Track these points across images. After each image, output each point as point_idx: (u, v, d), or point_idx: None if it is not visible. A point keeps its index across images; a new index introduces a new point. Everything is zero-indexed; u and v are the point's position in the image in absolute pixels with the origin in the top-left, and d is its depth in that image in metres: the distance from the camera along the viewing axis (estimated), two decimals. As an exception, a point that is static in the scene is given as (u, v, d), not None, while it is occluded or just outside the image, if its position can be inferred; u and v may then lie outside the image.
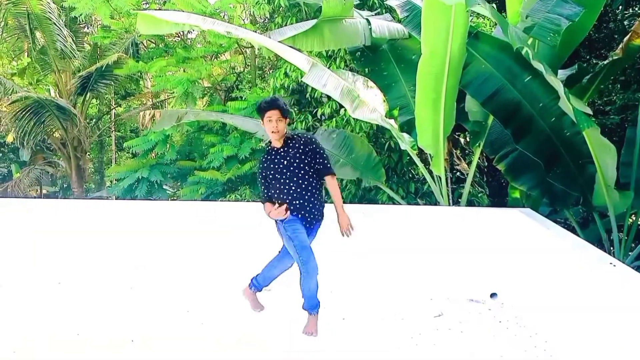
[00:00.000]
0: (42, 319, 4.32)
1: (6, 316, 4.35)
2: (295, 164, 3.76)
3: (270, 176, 3.81)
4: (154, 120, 10.58)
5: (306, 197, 3.81)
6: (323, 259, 3.96)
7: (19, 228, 5.80)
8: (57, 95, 15.29)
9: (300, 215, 3.79)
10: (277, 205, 3.73)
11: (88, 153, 16.56)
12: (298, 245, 3.78)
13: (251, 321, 4.28)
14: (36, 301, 4.71)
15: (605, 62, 7.44)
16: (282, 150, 3.81)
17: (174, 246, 5.39)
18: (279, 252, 4.07)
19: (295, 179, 3.77)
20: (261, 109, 3.73)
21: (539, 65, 5.46)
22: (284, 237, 3.85)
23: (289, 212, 3.75)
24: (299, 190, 3.78)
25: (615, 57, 7.30)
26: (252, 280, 4.13)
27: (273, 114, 3.71)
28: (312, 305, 3.89)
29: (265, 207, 3.79)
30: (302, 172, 3.78)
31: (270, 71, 13.34)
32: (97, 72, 13.85)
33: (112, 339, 3.91)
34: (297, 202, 3.78)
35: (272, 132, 3.72)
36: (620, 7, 9.29)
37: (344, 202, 3.97)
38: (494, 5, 9.56)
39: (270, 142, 3.90)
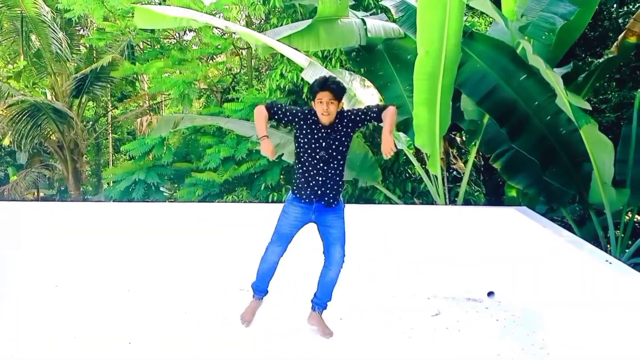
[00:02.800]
0: (39, 321, 4.31)
1: (3, 319, 4.34)
2: (334, 148, 3.64)
3: (306, 146, 3.65)
4: (150, 125, 10.56)
5: (336, 178, 3.71)
6: (320, 258, 3.97)
7: (16, 231, 5.79)
8: (54, 98, 15.25)
9: (321, 200, 3.70)
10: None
11: (85, 156, 16.53)
12: (344, 236, 3.78)
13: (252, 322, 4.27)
14: (33, 304, 4.70)
15: (600, 60, 7.46)
16: (328, 129, 3.65)
17: (172, 248, 5.39)
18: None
19: (330, 164, 3.66)
20: (312, 91, 3.60)
21: (537, 60, 5.46)
22: (334, 225, 3.74)
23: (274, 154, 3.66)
24: (330, 174, 3.67)
25: (610, 55, 7.32)
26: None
27: (324, 96, 3.54)
28: (326, 302, 3.93)
29: (265, 142, 3.61)
30: (340, 155, 3.68)
31: (267, 72, 13.34)
32: (93, 75, 13.83)
33: (110, 341, 3.90)
34: (327, 184, 3.68)
35: (322, 114, 3.56)
36: (614, 5, 9.32)
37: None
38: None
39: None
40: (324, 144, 3.62)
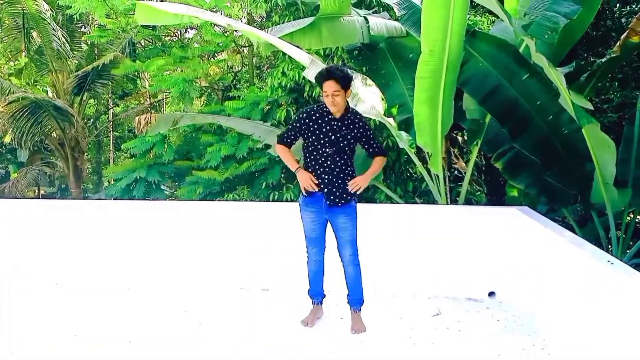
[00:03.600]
0: (39, 319, 4.31)
1: (3, 317, 4.34)
2: (346, 141, 3.60)
3: (316, 142, 3.59)
4: (149, 124, 10.52)
5: (342, 175, 3.66)
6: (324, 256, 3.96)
7: (16, 229, 5.78)
8: (55, 96, 15.25)
9: (327, 199, 3.67)
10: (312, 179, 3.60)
11: (86, 153, 16.53)
12: (355, 237, 3.80)
13: (249, 321, 4.28)
14: (33, 302, 4.70)
15: (602, 60, 7.44)
16: (338, 122, 3.58)
17: (172, 246, 5.38)
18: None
19: (337, 161, 3.61)
20: (318, 82, 3.53)
21: (541, 58, 5.44)
22: (345, 227, 3.73)
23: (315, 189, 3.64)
24: (336, 171, 3.63)
25: (612, 55, 7.29)
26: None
27: (328, 87, 3.43)
28: (361, 298, 3.95)
29: (301, 173, 3.61)
30: (349, 150, 3.65)
31: (268, 70, 13.32)
32: (94, 72, 13.82)
33: (110, 340, 3.90)
34: (334, 183, 3.64)
35: (330, 105, 3.52)
36: (617, 5, 9.29)
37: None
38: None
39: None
40: (333, 137, 3.56)
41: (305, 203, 3.75)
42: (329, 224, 3.85)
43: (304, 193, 3.71)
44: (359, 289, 3.94)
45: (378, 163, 3.77)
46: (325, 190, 3.65)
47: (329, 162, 3.59)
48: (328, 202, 3.67)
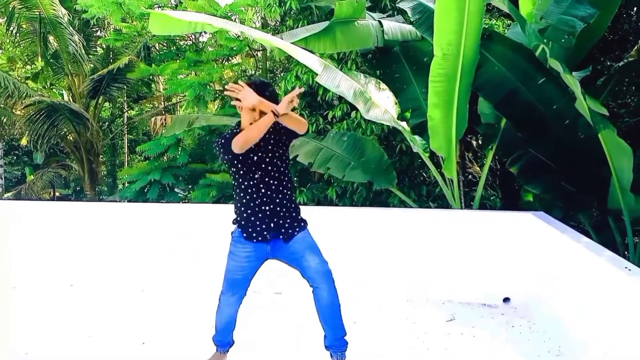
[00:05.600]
0: (54, 320, 4.33)
1: (19, 318, 4.37)
2: (271, 158, 2.95)
3: (244, 168, 2.94)
4: (164, 125, 10.60)
5: (285, 207, 3.01)
6: (334, 262, 3.94)
7: (32, 230, 5.83)
8: (70, 99, 15.43)
9: (277, 234, 3.01)
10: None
11: (101, 156, 16.67)
12: (316, 247, 3.07)
13: (261, 324, 4.27)
14: (49, 303, 4.73)
15: (619, 64, 7.37)
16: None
17: (186, 248, 5.40)
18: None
19: (272, 184, 2.97)
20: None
21: (556, 64, 5.40)
22: (301, 251, 3.02)
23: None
24: (279, 198, 2.99)
25: (630, 59, 7.22)
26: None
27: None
28: (343, 337, 3.20)
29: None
30: (282, 169, 3.01)
31: (282, 74, 13.36)
32: (109, 76, 13.97)
33: (124, 341, 3.91)
34: (278, 213, 2.98)
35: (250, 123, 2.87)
36: (635, 9, 9.20)
37: (354, 205, 3.84)
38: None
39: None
40: (259, 153, 2.92)
41: (244, 239, 3.04)
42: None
43: (239, 229, 3.05)
44: (339, 319, 3.16)
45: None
46: (272, 225, 2.98)
47: (263, 190, 2.95)
48: (281, 238, 3.02)
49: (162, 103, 17.49)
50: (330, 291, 3.07)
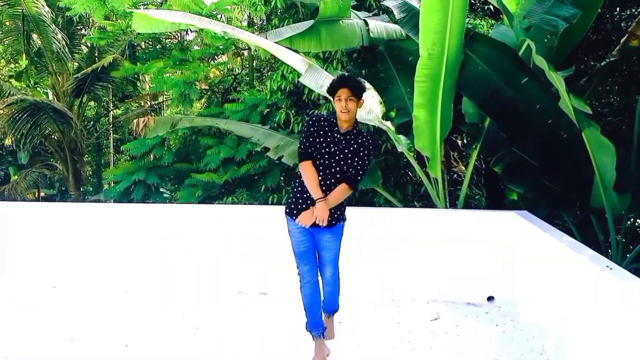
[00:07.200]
0: (36, 322, 4.29)
1: (1, 319, 4.33)
2: (349, 158, 3.39)
3: (319, 156, 3.41)
4: (147, 127, 10.49)
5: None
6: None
7: (15, 232, 5.77)
8: (55, 98, 15.26)
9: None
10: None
11: (85, 156, 16.53)
12: (337, 257, 3.60)
13: (247, 325, 4.26)
14: (31, 305, 4.68)
15: (602, 64, 7.43)
16: (343, 137, 3.42)
17: (170, 249, 5.36)
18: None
19: (329, 178, 3.41)
20: (331, 88, 3.38)
21: (541, 61, 5.43)
22: (329, 247, 3.53)
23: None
24: (330, 184, 3.41)
25: (612, 59, 7.29)
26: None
27: (342, 93, 3.33)
28: (336, 309, 3.85)
29: (322, 205, 3.32)
30: (347, 168, 3.42)
31: (268, 73, 13.33)
32: (94, 74, 13.83)
33: (106, 344, 3.89)
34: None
35: (342, 111, 3.33)
36: (617, 9, 9.28)
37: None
38: (491, 7, 9.57)
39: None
40: (334, 148, 3.39)
41: (291, 219, 3.55)
42: None
43: (290, 213, 3.53)
44: (336, 301, 3.76)
45: (341, 190, 3.42)
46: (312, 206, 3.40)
47: (321, 176, 3.40)
48: (318, 225, 3.41)
49: (149, 102, 17.36)
50: (331, 289, 3.69)
